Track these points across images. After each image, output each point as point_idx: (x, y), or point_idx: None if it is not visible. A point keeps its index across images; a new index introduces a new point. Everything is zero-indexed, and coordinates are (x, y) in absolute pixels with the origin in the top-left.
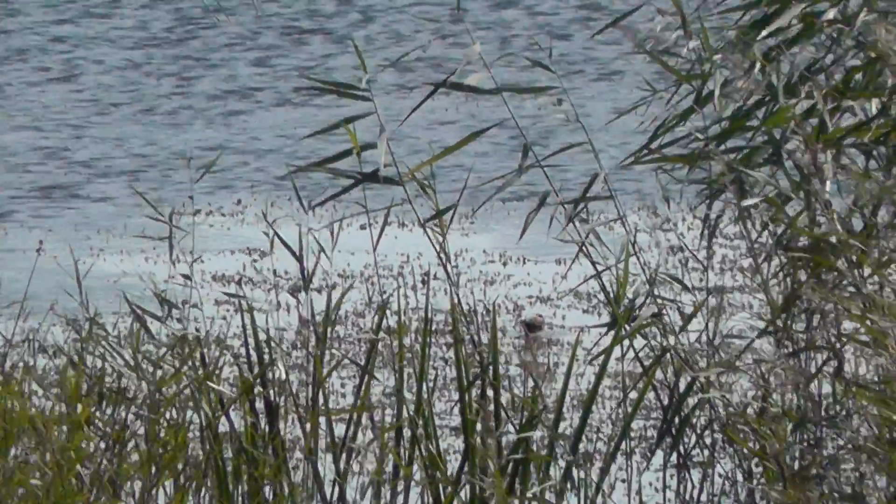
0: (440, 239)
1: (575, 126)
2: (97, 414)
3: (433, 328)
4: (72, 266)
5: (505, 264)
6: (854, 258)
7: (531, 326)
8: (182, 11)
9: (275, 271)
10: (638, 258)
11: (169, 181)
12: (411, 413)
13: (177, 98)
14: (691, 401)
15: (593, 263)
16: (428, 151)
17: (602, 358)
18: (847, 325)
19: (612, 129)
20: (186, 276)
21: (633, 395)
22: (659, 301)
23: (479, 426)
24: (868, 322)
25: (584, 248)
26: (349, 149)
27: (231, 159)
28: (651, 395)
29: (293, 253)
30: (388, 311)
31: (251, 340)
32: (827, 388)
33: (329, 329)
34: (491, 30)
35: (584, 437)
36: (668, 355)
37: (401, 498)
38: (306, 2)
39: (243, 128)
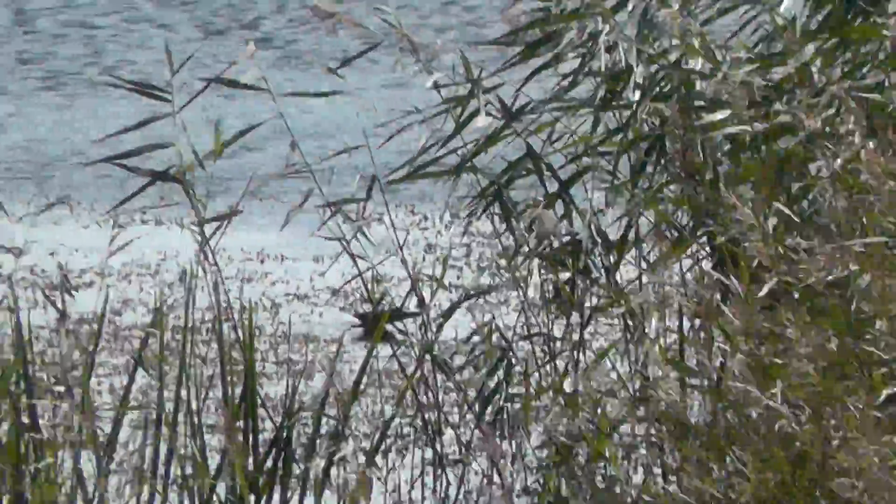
0: (198, 238)
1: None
2: None
3: (191, 326)
4: None
5: (263, 262)
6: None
7: (366, 318)
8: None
9: (31, 269)
10: (401, 256)
11: None
12: (170, 410)
13: None
14: (449, 398)
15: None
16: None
17: (364, 356)
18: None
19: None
20: None
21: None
22: (420, 299)
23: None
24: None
25: (345, 245)
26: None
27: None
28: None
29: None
30: (146, 309)
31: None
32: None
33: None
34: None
35: (343, 436)
36: (427, 353)
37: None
38: None
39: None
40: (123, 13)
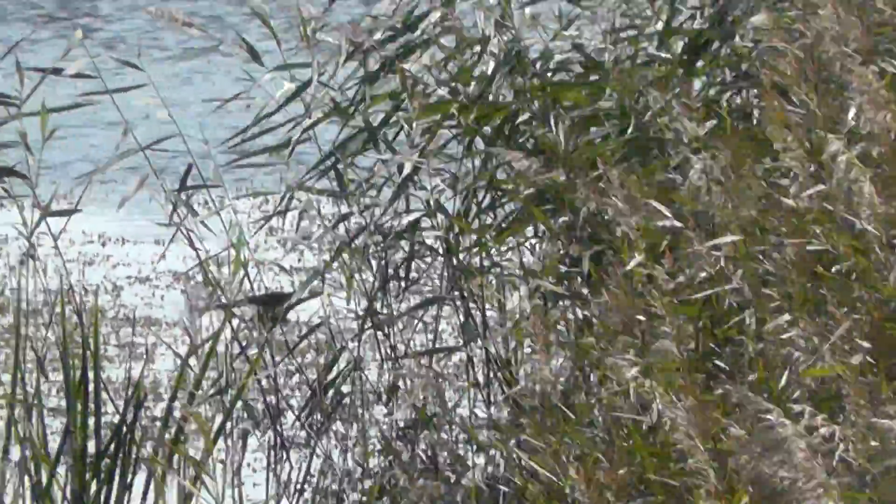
0: (24, 228)
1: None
2: None
3: (32, 309)
4: None
5: (104, 245)
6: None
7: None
8: None
9: None
10: (248, 242)
11: None
12: (7, 393)
13: None
14: (290, 382)
15: (195, 249)
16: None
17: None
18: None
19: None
20: None
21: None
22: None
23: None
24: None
25: (183, 231)
26: None
27: None
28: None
29: None
30: None
31: None
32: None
33: None
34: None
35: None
36: (268, 338)
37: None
38: None
39: None
40: None
